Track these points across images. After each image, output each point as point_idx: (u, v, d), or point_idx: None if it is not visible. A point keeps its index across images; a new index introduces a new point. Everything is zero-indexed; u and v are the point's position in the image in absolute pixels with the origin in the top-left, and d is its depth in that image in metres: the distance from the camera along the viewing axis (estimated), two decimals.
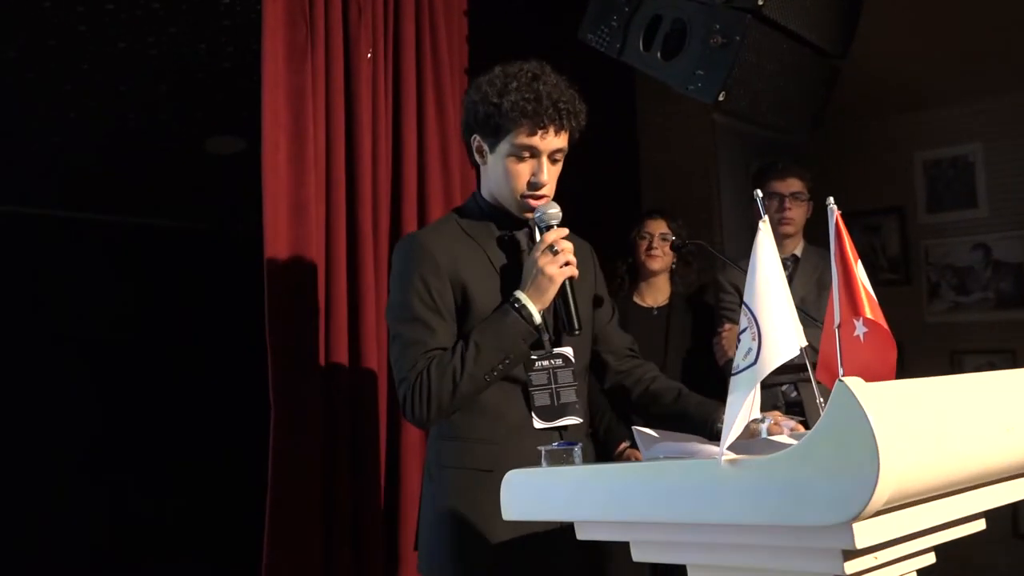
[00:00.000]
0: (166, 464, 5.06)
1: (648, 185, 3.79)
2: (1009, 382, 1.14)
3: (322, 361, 2.51)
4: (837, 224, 1.16)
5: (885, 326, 1.09)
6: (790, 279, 2.89)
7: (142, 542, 4.85)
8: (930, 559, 1.23)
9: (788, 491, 0.93)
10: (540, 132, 1.64)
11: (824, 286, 2.86)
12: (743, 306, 1.06)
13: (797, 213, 2.86)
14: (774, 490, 0.95)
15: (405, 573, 2.59)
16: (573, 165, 1.82)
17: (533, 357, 1.67)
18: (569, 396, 1.69)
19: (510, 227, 1.76)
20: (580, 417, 1.69)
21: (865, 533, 0.96)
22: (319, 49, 2.57)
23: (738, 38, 2.24)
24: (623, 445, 2.83)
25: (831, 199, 1.19)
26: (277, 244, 2.42)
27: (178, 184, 5.17)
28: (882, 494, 0.88)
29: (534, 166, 1.67)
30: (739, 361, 1.02)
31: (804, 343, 1.06)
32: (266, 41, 2.44)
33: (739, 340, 1.04)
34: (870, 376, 1.02)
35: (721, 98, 2.30)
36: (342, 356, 2.56)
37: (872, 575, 1.13)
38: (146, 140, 4.66)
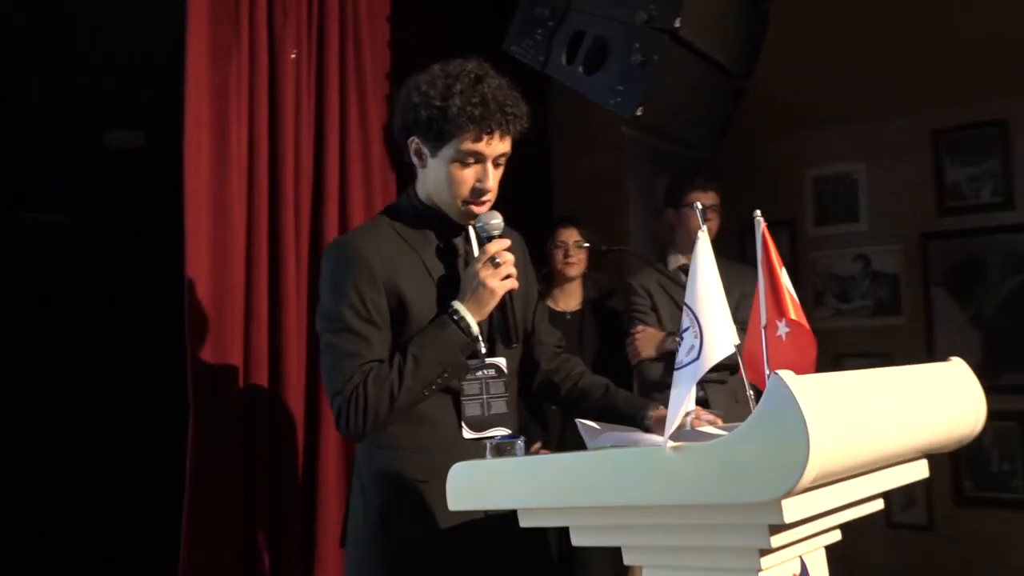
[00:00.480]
0: (79, 458, 4.89)
1: (560, 194, 3.92)
2: (911, 376, 1.30)
3: (241, 360, 2.51)
4: (764, 234, 1.28)
5: (807, 326, 1.22)
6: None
7: (59, 533, 4.67)
8: (836, 536, 1.37)
9: (728, 472, 1.04)
10: (486, 138, 1.63)
11: (727, 291, 3.04)
12: (685, 307, 1.16)
13: (714, 224, 3.04)
14: (715, 471, 1.06)
15: (324, 564, 2.62)
16: None
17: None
18: (500, 407, 1.71)
19: (447, 231, 1.75)
20: (510, 428, 1.72)
21: (791, 509, 1.08)
22: (243, 49, 2.57)
23: (656, 57, 2.38)
24: (536, 446, 2.93)
25: (758, 212, 1.31)
26: (198, 243, 2.41)
27: (77, 178, 4.99)
28: (810, 473, 1.00)
29: (479, 172, 1.67)
30: (682, 357, 1.12)
31: (738, 342, 1.18)
32: (190, 40, 2.43)
33: (681, 338, 1.14)
34: (793, 371, 1.14)
35: (639, 113, 2.42)
36: (262, 355, 2.56)
37: (790, 550, 1.26)
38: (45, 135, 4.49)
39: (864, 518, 1.85)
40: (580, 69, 2.52)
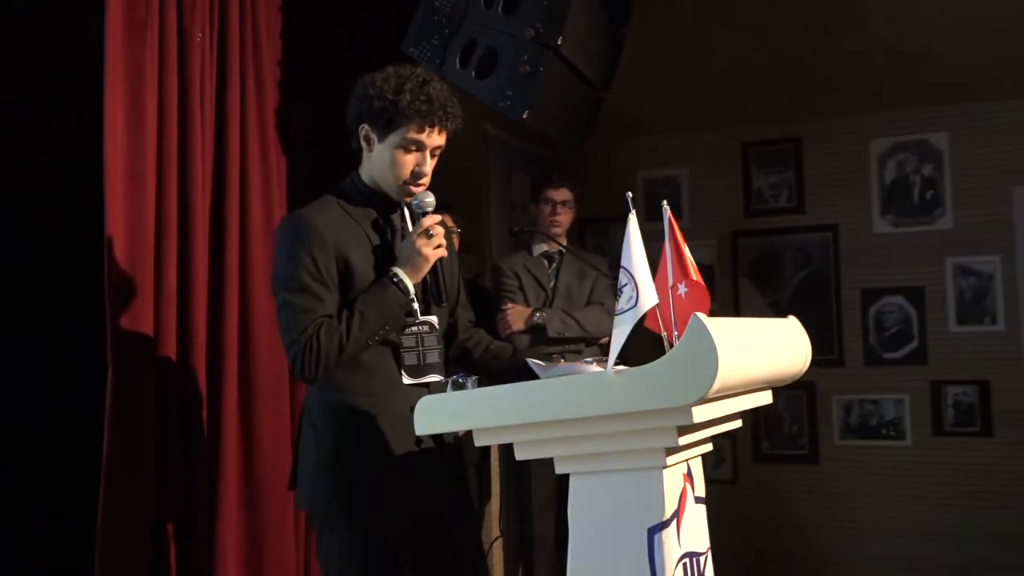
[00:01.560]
0: None
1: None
2: (767, 326, 1.76)
3: (152, 330, 2.64)
4: (669, 219, 1.69)
5: (703, 284, 1.64)
6: (557, 270, 3.51)
7: None
8: (709, 447, 1.81)
9: (658, 385, 1.45)
10: (428, 130, 1.95)
11: (583, 276, 3.51)
12: (623, 268, 1.55)
13: (565, 218, 3.50)
14: (648, 386, 1.46)
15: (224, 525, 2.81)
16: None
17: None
18: (433, 357, 2.03)
19: (386, 208, 2.06)
20: (441, 375, 2.04)
21: (697, 414, 1.49)
22: (154, 29, 2.70)
23: (541, 68, 2.77)
24: None
25: (665, 202, 1.73)
26: (115, 213, 2.53)
27: None
28: (716, 384, 1.42)
29: (418, 158, 1.98)
30: (622, 305, 1.51)
31: (656, 300, 1.57)
32: (108, 17, 2.54)
33: (620, 291, 1.53)
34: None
35: (525, 116, 2.80)
36: (171, 325, 2.70)
37: (684, 453, 1.68)
38: None
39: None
40: (472, 73, 2.86)
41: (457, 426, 1.69)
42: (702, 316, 1.42)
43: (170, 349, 2.69)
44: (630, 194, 1.77)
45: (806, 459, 4.42)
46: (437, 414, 1.68)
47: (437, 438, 1.98)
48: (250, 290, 2.98)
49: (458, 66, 2.88)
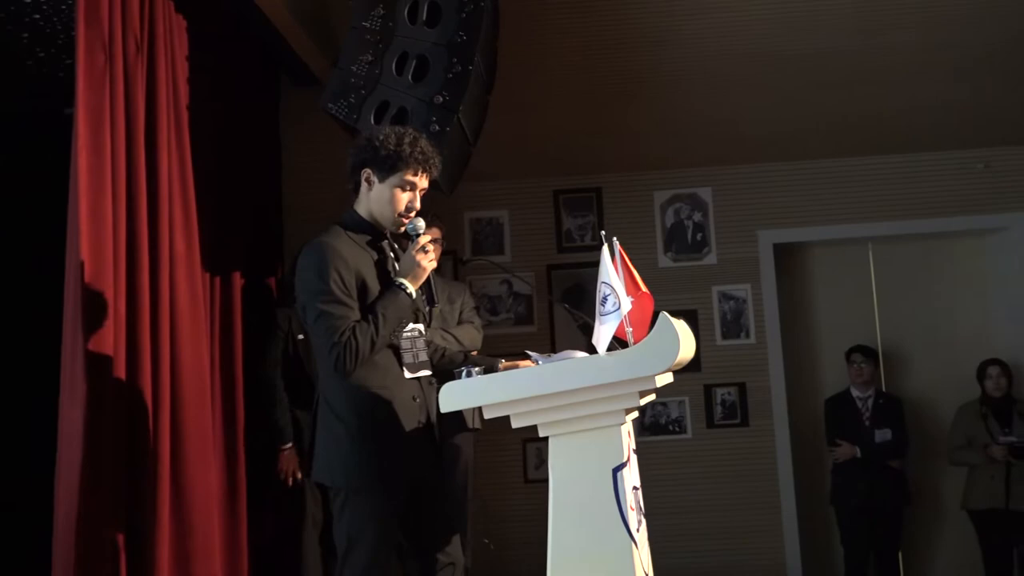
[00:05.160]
0: None
1: (290, 222, 4.61)
2: (684, 327, 2.51)
3: (108, 348, 2.87)
4: (619, 249, 2.38)
5: (648, 293, 2.35)
6: (432, 297, 4.08)
7: None
8: (636, 413, 2.51)
9: (637, 360, 2.13)
10: (421, 174, 2.55)
11: (451, 300, 4.12)
12: (604, 283, 2.21)
13: (438, 253, 4.08)
14: (630, 361, 2.13)
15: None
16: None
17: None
18: (423, 356, 2.60)
19: (377, 237, 2.59)
20: (429, 370, 2.61)
21: (657, 382, 2.19)
22: (116, 74, 2.96)
23: (447, 128, 3.38)
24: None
25: (615, 238, 2.42)
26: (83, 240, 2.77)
27: None
28: (675, 360, 2.13)
29: (411, 197, 2.56)
30: (609, 308, 2.17)
31: (630, 305, 2.24)
32: (79, 68, 2.79)
33: (605, 299, 2.19)
34: (642, 319, 2.27)
35: None
36: (121, 344, 2.94)
37: (632, 415, 2.37)
38: None
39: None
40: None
41: (477, 403, 2.26)
42: (666, 315, 2.13)
43: (120, 364, 2.93)
44: (603, 232, 2.43)
45: None
46: (462, 395, 2.24)
47: (426, 421, 2.53)
48: (176, 311, 3.26)
49: (373, 122, 3.41)
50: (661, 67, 4.83)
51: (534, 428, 2.28)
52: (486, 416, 2.28)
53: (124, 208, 2.97)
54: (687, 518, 5.14)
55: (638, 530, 2.33)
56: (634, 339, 2.23)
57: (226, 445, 3.70)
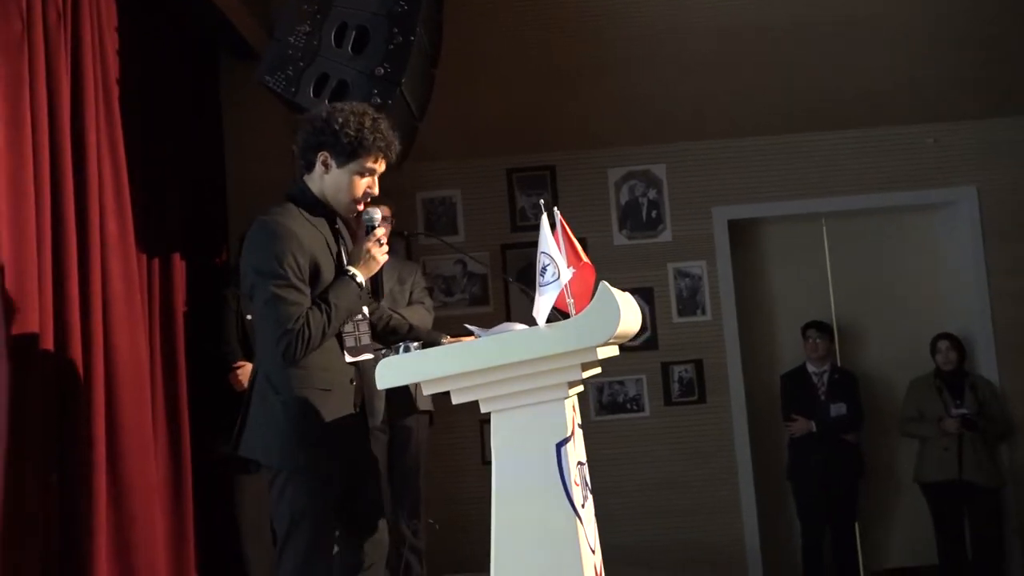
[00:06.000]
0: None
1: (234, 201, 4.48)
2: (631, 300, 2.45)
3: (36, 330, 2.76)
4: (560, 220, 2.31)
5: (589, 263, 2.28)
6: (380, 274, 4.00)
7: None
8: (580, 388, 2.46)
9: (576, 331, 2.06)
10: (381, 160, 2.45)
11: (403, 281, 4.03)
12: (543, 253, 2.14)
13: (386, 233, 4.00)
14: (570, 332, 2.07)
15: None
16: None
17: None
18: (365, 340, 2.52)
19: (333, 220, 2.50)
20: (371, 353, 2.53)
21: (599, 353, 2.13)
22: (36, 44, 2.83)
23: (390, 102, 3.29)
24: None
25: (556, 208, 2.35)
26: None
27: None
28: (615, 332, 2.07)
29: (370, 182, 2.46)
30: (548, 279, 2.10)
31: (570, 274, 2.17)
32: None
33: (544, 269, 2.12)
34: (584, 290, 2.21)
35: None
36: (48, 328, 2.82)
37: (575, 388, 2.31)
38: None
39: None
40: (326, 102, 3.29)
41: (414, 379, 2.18)
42: (606, 284, 2.07)
43: (48, 350, 2.82)
44: (543, 201, 2.36)
45: None
46: (398, 371, 2.16)
47: (361, 404, 2.47)
48: (109, 294, 3.14)
49: (312, 95, 3.30)
50: (614, 44, 4.78)
51: None
52: (425, 392, 2.21)
53: (48, 186, 2.83)
54: (646, 496, 5.13)
55: (583, 506, 2.28)
56: (575, 310, 2.17)
57: (169, 432, 3.58)
